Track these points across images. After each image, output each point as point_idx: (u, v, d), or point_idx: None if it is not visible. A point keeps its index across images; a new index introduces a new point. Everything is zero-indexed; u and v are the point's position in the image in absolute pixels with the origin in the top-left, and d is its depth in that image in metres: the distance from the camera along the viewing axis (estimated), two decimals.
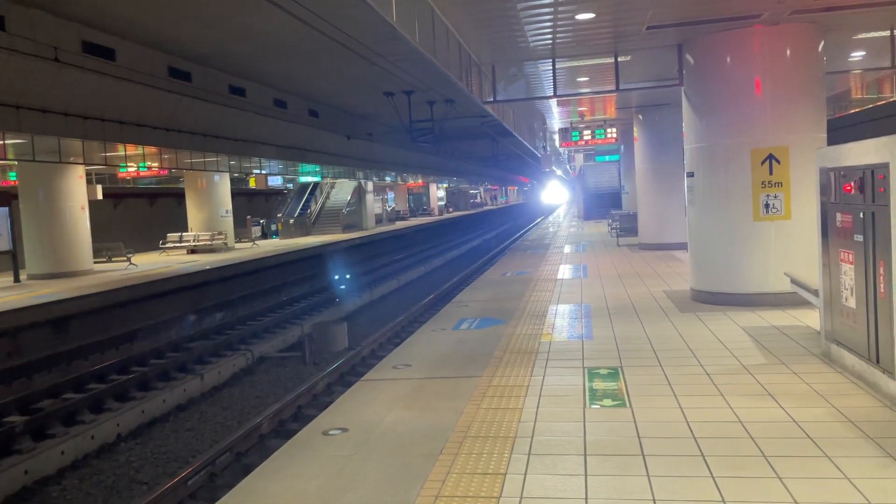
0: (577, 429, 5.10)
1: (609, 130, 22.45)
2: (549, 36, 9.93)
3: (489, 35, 10.21)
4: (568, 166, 46.56)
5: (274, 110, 18.77)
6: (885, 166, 5.19)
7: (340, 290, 20.67)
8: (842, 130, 18.09)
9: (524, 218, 69.22)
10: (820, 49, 9.56)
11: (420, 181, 53.35)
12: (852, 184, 5.81)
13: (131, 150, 20.27)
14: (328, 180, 36.91)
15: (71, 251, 19.49)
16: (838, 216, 6.19)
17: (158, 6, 11.05)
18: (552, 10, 8.66)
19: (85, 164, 19.72)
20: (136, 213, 34.61)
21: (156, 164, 22.48)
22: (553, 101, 18.13)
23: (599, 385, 6.19)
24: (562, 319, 9.39)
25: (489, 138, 30.97)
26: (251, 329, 14.99)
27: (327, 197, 38.28)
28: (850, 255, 5.94)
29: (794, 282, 8.24)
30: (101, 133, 13.59)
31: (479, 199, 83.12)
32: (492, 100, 13.11)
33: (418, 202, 62.08)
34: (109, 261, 22.53)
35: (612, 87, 11.92)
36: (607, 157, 31.64)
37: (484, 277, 15.21)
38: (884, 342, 5.38)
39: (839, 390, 5.70)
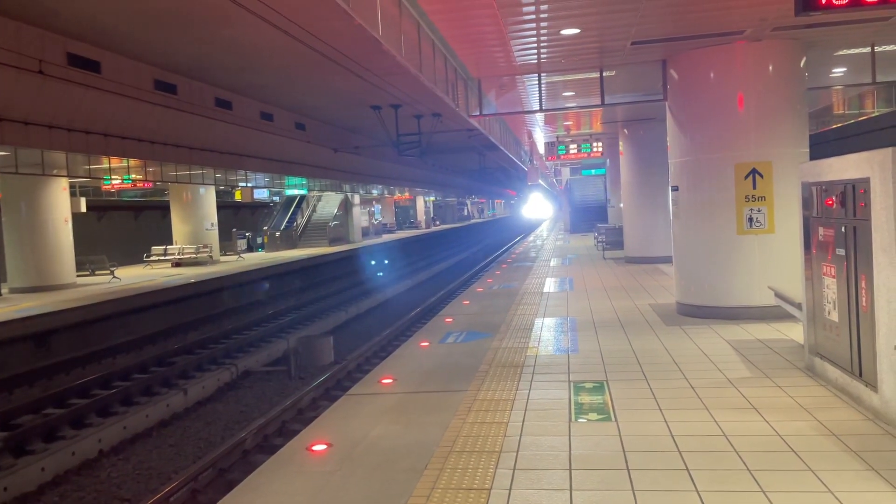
0: (563, 443, 5.09)
1: (595, 144, 22.64)
2: (535, 51, 10.00)
3: (475, 50, 10.26)
4: (554, 179, 46.78)
5: (260, 123, 18.74)
6: (866, 181, 5.25)
7: (326, 304, 20.58)
8: (824, 145, 18.30)
9: (510, 231, 69.36)
10: (802, 65, 9.68)
11: (407, 194, 53.39)
12: (834, 198, 5.87)
13: (116, 162, 20.14)
14: (315, 193, 36.85)
15: (53, 264, 19.31)
16: (820, 230, 6.24)
17: (145, 19, 11.02)
18: (538, 25, 8.72)
19: (69, 176, 19.58)
20: (121, 226, 34.38)
21: (140, 177, 22.34)
22: (539, 116, 18.24)
23: (585, 399, 6.19)
24: (548, 333, 9.39)
25: (476, 152, 31.07)
26: (236, 343, 14.89)
27: (314, 210, 38.20)
28: (833, 269, 5.99)
29: (777, 295, 8.29)
30: (85, 146, 13.50)
31: (466, 212, 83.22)
32: (478, 113, 13.16)
33: (405, 215, 62.10)
34: (93, 274, 22.32)
35: (598, 102, 12.00)
36: (593, 171, 31.87)
37: (470, 290, 15.21)
38: (866, 355, 5.41)
39: (823, 404, 5.73)
